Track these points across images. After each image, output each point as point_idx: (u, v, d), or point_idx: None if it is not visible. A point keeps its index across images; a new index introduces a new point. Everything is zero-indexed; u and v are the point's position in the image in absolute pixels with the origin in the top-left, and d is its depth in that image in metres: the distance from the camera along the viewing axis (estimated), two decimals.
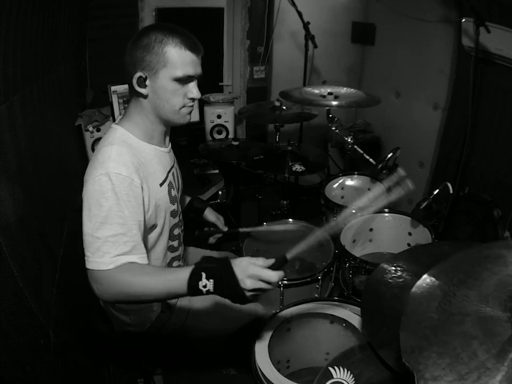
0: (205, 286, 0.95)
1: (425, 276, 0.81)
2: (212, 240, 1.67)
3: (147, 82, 1.11)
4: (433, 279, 0.80)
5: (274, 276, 0.98)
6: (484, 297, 0.74)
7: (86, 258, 1.00)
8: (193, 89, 1.15)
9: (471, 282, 0.77)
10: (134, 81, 1.11)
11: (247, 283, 0.96)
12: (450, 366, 0.63)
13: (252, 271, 0.97)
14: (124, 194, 1.03)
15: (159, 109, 1.15)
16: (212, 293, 0.97)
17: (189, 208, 1.62)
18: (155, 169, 1.20)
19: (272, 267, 1.01)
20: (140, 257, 1.03)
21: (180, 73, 1.10)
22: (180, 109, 1.16)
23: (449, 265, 0.83)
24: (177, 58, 1.09)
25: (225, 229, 1.64)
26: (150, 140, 1.21)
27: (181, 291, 0.97)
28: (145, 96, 1.14)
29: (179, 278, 0.97)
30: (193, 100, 1.18)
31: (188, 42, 1.10)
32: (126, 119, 1.19)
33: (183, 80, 1.12)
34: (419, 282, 0.80)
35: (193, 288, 0.96)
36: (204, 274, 0.95)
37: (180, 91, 1.13)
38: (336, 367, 1.02)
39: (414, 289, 0.79)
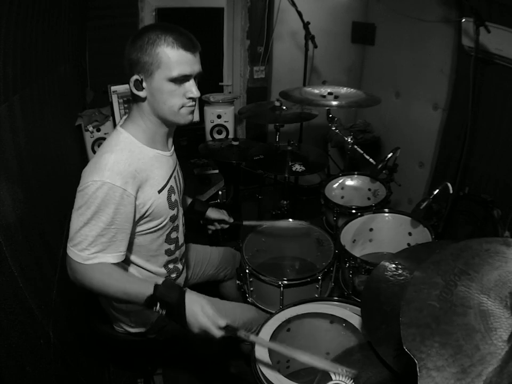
0: (158, 312, 1.08)
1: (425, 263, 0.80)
2: (210, 227, 1.72)
3: (144, 84, 1.10)
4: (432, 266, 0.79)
5: (218, 334, 1.09)
6: (485, 291, 0.73)
7: (67, 245, 1.08)
8: (191, 88, 1.13)
9: (472, 274, 0.76)
10: (131, 84, 1.10)
11: (195, 329, 1.09)
12: (453, 357, 0.62)
13: (203, 323, 1.08)
14: (113, 203, 1.06)
15: (158, 111, 1.14)
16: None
17: (190, 210, 1.62)
18: (155, 175, 1.19)
19: (223, 328, 1.10)
20: (115, 256, 1.10)
21: (175, 73, 1.08)
22: (179, 109, 1.14)
23: (449, 254, 0.82)
24: (171, 59, 1.06)
25: (231, 220, 1.71)
26: (153, 145, 1.20)
27: (138, 303, 1.09)
28: (143, 99, 1.13)
29: (139, 292, 1.08)
30: (192, 99, 1.15)
31: (181, 41, 1.07)
32: (130, 121, 1.18)
33: (179, 80, 1.10)
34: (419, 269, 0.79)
35: (148, 307, 1.09)
36: (158, 304, 1.07)
37: (177, 91, 1.11)
38: None
39: (414, 273, 0.78)
